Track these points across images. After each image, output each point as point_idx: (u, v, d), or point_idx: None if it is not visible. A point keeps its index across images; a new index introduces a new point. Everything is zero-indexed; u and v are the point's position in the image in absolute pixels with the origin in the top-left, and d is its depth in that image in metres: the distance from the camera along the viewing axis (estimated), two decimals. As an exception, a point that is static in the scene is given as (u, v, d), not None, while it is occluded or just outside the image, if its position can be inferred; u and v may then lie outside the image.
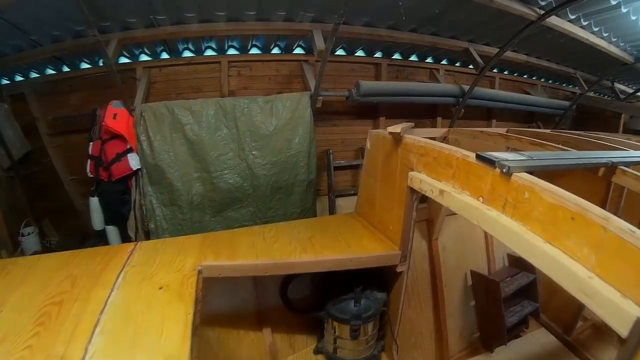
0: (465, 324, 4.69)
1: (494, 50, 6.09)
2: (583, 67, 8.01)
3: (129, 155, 4.59)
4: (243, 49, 5.56)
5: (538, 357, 4.64)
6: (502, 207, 1.83)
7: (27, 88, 5.12)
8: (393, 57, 6.45)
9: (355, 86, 5.36)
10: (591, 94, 8.77)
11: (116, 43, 4.42)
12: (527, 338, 4.91)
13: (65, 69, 5.26)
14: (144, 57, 5.34)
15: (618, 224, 1.35)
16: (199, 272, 2.56)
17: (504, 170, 1.80)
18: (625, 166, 2.59)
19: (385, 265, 3.12)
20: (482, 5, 4.54)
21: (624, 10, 4.90)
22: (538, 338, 4.90)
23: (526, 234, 1.66)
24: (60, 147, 5.38)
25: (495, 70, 7.61)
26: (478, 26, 5.55)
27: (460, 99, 6.36)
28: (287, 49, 5.74)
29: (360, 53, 6.23)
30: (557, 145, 3.25)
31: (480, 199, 1.99)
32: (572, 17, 5.14)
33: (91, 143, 4.73)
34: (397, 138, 2.95)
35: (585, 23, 5.38)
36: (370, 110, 6.28)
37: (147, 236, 4.78)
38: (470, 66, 6.30)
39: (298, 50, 5.79)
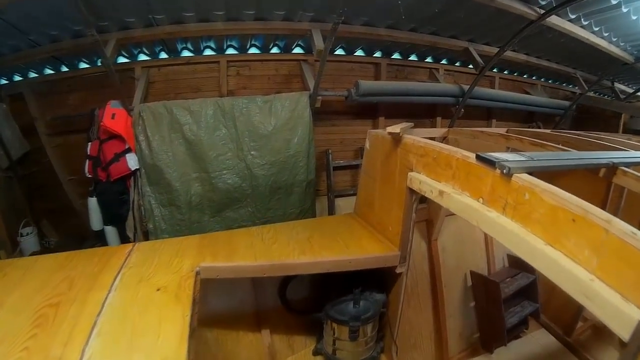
0: (465, 325, 4.68)
1: (493, 50, 6.08)
2: (583, 67, 8.00)
3: (127, 155, 4.57)
4: (242, 49, 5.54)
5: (538, 358, 4.63)
6: (503, 208, 1.81)
7: (26, 88, 5.11)
8: (392, 57, 6.44)
9: (354, 86, 5.34)
10: (591, 93, 8.76)
11: (114, 43, 4.41)
12: (527, 339, 4.90)
13: (64, 68, 5.25)
14: (142, 57, 5.33)
15: (620, 226, 1.33)
16: (197, 273, 2.54)
17: (505, 171, 1.78)
18: (626, 167, 2.57)
19: (385, 266, 3.10)
20: (482, 4, 4.53)
21: (624, 9, 4.89)
22: (538, 339, 4.90)
23: (527, 236, 1.65)
24: (59, 147, 5.37)
25: (495, 70, 7.59)
26: (478, 25, 5.53)
27: (460, 99, 6.34)
28: (286, 49, 5.72)
29: (359, 53, 6.21)
30: (557, 146, 3.24)
31: (480, 200, 1.97)
32: (573, 16, 5.13)
33: (89, 143, 4.72)
34: (396, 138, 2.93)
35: (585, 23, 5.37)
36: (370, 110, 6.26)
37: (146, 236, 4.77)
38: (470, 66, 6.29)
39: (297, 50, 5.77)
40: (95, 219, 4.80)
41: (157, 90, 5.21)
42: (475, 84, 6.15)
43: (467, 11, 4.91)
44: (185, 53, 5.40)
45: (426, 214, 4.31)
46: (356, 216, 3.78)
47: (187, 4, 4.32)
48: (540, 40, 5.96)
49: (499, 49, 5.71)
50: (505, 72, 7.99)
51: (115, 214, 4.79)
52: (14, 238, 5.14)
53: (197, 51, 5.41)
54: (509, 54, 6.15)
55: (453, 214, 3.42)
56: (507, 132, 4.24)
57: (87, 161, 4.68)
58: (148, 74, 5.13)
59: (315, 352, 3.59)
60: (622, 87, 9.29)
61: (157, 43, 5.08)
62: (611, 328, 1.31)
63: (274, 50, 5.71)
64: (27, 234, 5.27)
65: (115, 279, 2.44)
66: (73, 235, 5.68)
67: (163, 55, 5.36)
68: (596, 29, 5.60)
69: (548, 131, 4.76)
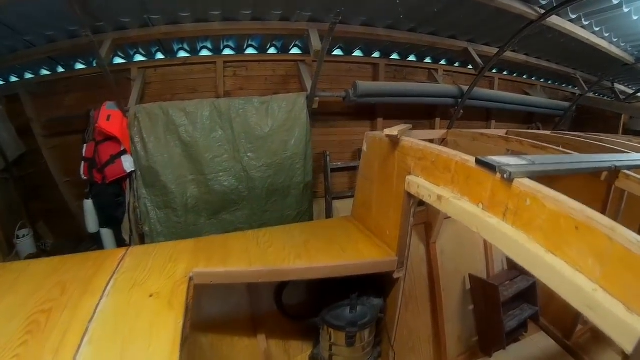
0: (463, 328, 4.66)
1: (493, 50, 6.04)
2: (583, 68, 7.97)
3: (122, 157, 4.54)
4: (239, 49, 5.51)
5: (537, 362, 4.61)
6: (503, 214, 1.76)
7: (22, 89, 5.09)
8: (391, 57, 6.40)
9: (352, 87, 5.30)
10: (591, 94, 8.75)
11: (110, 43, 4.39)
12: (526, 342, 4.89)
13: (60, 69, 5.24)
14: (139, 58, 5.30)
15: (625, 234, 1.28)
16: (191, 279, 2.49)
17: (505, 176, 1.73)
18: (628, 170, 2.53)
19: (382, 271, 3.06)
20: (482, 4, 4.49)
21: (625, 10, 4.85)
22: (537, 342, 4.88)
23: (527, 243, 1.60)
24: (55, 149, 5.35)
25: (494, 71, 7.56)
26: (477, 26, 5.50)
27: (459, 100, 6.30)
28: (284, 49, 5.70)
29: (357, 53, 6.18)
30: (558, 148, 3.20)
31: (480, 205, 1.92)
32: (573, 16, 5.09)
33: (85, 145, 4.69)
34: (394, 141, 2.89)
35: (586, 23, 5.33)
36: (368, 111, 6.23)
37: (142, 239, 4.75)
38: (470, 66, 6.26)
39: (295, 51, 5.74)
40: (91, 221, 4.77)
41: (154, 91, 5.18)
42: (475, 84, 6.11)
43: (467, 11, 4.87)
44: (182, 54, 5.37)
45: (425, 217, 4.28)
46: (353, 219, 3.74)
47: (183, 4, 4.28)
48: (540, 41, 5.92)
49: (498, 49, 5.68)
50: (505, 73, 7.96)
51: (111, 216, 4.76)
52: (10, 240, 5.15)
53: (194, 52, 5.38)
54: (508, 54, 6.11)
55: (452, 217, 3.40)
56: (506, 133, 4.20)
57: (83, 163, 4.66)
58: (144, 74, 5.11)
59: (312, 358, 3.57)
60: (622, 87, 9.29)
61: (154, 43, 5.05)
62: (614, 340, 1.26)
63: (271, 50, 5.68)
64: (24, 236, 5.28)
65: (108, 284, 2.41)
66: (69, 237, 5.69)
67: (159, 55, 5.33)
68: (597, 29, 5.57)
69: (548, 133, 4.72)
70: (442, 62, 7.00)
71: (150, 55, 5.31)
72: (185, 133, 4.62)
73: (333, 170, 5.99)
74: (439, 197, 2.22)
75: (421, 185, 2.46)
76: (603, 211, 4.18)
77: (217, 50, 5.45)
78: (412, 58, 6.64)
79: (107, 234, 4.84)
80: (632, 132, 8.53)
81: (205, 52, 5.46)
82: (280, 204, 5.05)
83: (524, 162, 1.87)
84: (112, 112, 4.48)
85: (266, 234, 3.32)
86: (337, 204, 5.92)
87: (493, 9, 4.64)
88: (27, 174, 5.47)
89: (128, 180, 4.66)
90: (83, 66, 5.24)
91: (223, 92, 5.36)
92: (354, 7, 4.58)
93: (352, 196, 3.87)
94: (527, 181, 1.69)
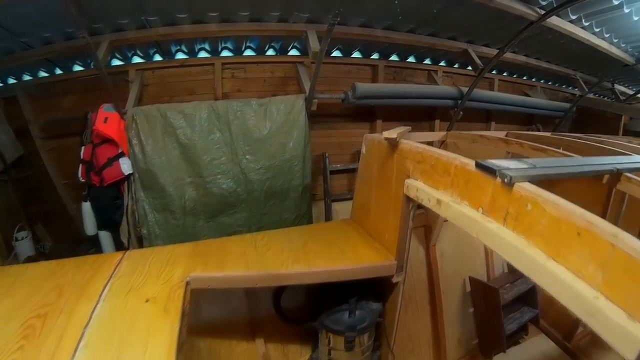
0: (463, 331, 4.63)
1: (493, 52, 6.02)
2: (583, 69, 7.96)
3: (120, 159, 4.51)
4: (237, 51, 5.50)
5: (538, 365, 4.59)
6: (503, 219, 1.73)
7: (20, 91, 5.08)
8: (390, 59, 6.38)
9: (351, 88, 5.27)
10: (591, 95, 8.73)
11: (107, 45, 4.37)
12: (527, 345, 4.87)
13: (58, 71, 5.23)
14: (136, 59, 5.28)
15: (627, 240, 1.26)
16: (187, 283, 2.48)
17: (506, 180, 1.70)
18: (629, 172, 2.51)
19: (381, 276, 3.04)
20: (482, 4, 4.46)
21: (626, 10, 4.83)
22: (538, 344, 4.86)
23: (528, 249, 1.57)
24: (53, 151, 5.33)
25: (494, 72, 7.54)
26: (477, 26, 5.48)
27: (459, 101, 6.28)
28: (282, 51, 5.68)
29: (356, 54, 6.16)
30: (559, 151, 3.18)
31: (480, 209, 1.89)
32: (573, 17, 5.08)
33: (83, 147, 4.65)
34: (393, 143, 2.86)
35: (586, 24, 5.32)
36: (367, 113, 6.21)
37: (140, 242, 4.73)
38: (469, 67, 6.25)
39: (293, 52, 5.73)
40: (89, 224, 4.74)
41: (151, 93, 5.16)
42: (474, 86, 6.09)
43: (466, 12, 4.85)
44: (180, 55, 5.36)
45: (424, 220, 4.26)
46: (352, 222, 3.72)
47: (180, 6, 4.27)
48: (540, 42, 5.90)
49: (498, 50, 5.65)
50: (505, 74, 7.94)
51: (109, 219, 4.73)
52: (8, 242, 5.15)
53: (192, 53, 5.37)
54: (508, 55, 6.09)
55: (451, 219, 3.38)
56: (506, 135, 4.19)
57: (81, 165, 4.62)
58: (142, 76, 5.09)
59: (311, 361, 3.55)
60: (622, 88, 9.28)
61: (151, 45, 5.04)
62: (615, 348, 1.24)
63: (270, 52, 5.67)
64: (22, 238, 5.28)
65: (104, 289, 2.40)
66: (68, 240, 5.69)
67: (157, 57, 5.32)
68: (597, 30, 5.56)
69: (548, 134, 4.71)
70: (442, 64, 6.97)
71: (148, 57, 5.28)
72: (183, 135, 4.61)
73: (332, 172, 5.98)
74: (438, 201, 2.20)
75: (420, 189, 2.44)
76: (604, 213, 4.19)
77: (215, 52, 5.44)
78: (411, 59, 6.62)
79: (105, 237, 4.80)
80: (633, 133, 8.53)
81: (203, 54, 5.44)
82: (279, 206, 5.03)
83: (524, 166, 1.85)
84: (109, 115, 4.46)
85: (264, 237, 3.30)
86: (336, 206, 5.91)
87: (493, 10, 4.62)
88: (25, 176, 5.46)
89: (126, 182, 4.62)
90: (81, 68, 5.22)
91: (221, 93, 5.34)
92: (352, 8, 4.57)
93: (351, 198, 3.86)
94: (527, 185, 1.67)
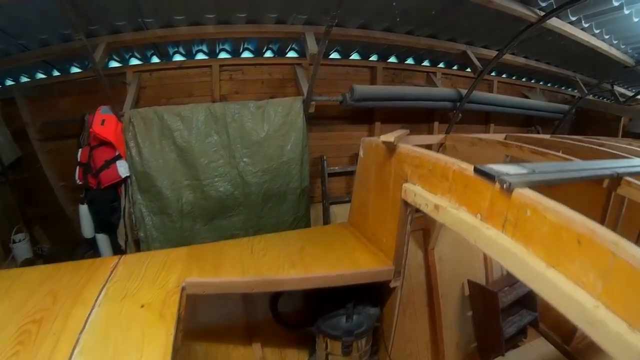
0: (462, 335, 4.62)
1: (492, 53, 6.00)
2: (583, 70, 7.95)
3: (117, 162, 4.51)
4: (235, 53, 5.49)
5: (536, 368, 4.58)
6: (502, 225, 1.71)
7: (17, 92, 5.07)
8: (389, 60, 6.37)
9: (349, 90, 5.26)
10: (590, 97, 8.73)
11: (104, 47, 4.36)
12: (526, 348, 4.85)
13: (56, 73, 5.22)
14: (134, 61, 5.27)
15: (628, 249, 1.23)
16: (183, 288, 2.46)
17: (505, 186, 1.67)
18: (630, 177, 2.48)
19: (378, 281, 3.02)
20: (481, 6, 4.44)
21: (626, 12, 4.82)
22: (536, 348, 4.84)
23: (527, 256, 1.54)
24: (51, 153, 5.32)
25: (493, 73, 7.51)
26: (476, 28, 5.47)
27: (458, 103, 6.26)
28: (280, 52, 5.67)
29: (355, 56, 6.15)
30: (559, 154, 3.16)
31: (479, 215, 1.87)
32: (573, 18, 5.06)
33: (80, 149, 4.65)
34: (390, 147, 2.84)
35: (586, 25, 5.30)
36: (366, 115, 6.20)
37: (137, 245, 4.74)
38: (468, 69, 6.23)
39: (291, 54, 5.72)
40: (87, 226, 4.74)
41: (149, 95, 5.16)
42: (474, 88, 6.06)
43: (465, 13, 4.84)
44: (178, 57, 5.35)
45: (423, 223, 4.23)
46: (350, 226, 3.70)
47: (176, 8, 4.25)
48: (539, 43, 5.88)
49: (497, 52, 5.63)
50: (504, 76, 7.93)
51: (106, 221, 4.73)
52: (6, 244, 5.17)
53: (189, 55, 5.36)
54: (507, 57, 6.07)
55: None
56: (505, 138, 4.17)
57: (78, 168, 4.62)
58: (140, 78, 5.08)
59: (308, 367, 3.53)
60: (622, 90, 9.27)
61: (149, 47, 5.02)
62: (615, 358, 1.22)
63: (268, 54, 5.65)
64: (20, 241, 5.27)
65: (99, 294, 2.38)
66: (65, 242, 5.68)
67: (155, 59, 5.30)
68: (597, 31, 5.54)
69: (548, 137, 4.68)
70: (441, 65, 6.95)
71: (145, 59, 5.27)
72: (181, 138, 4.60)
73: (330, 174, 5.97)
74: (436, 207, 2.17)
75: (418, 194, 2.41)
76: (604, 216, 4.17)
77: (212, 54, 5.43)
78: (410, 61, 6.61)
79: (102, 239, 4.81)
80: (632, 134, 8.52)
81: (200, 56, 5.43)
82: (277, 209, 5.03)
83: (524, 171, 1.82)
84: (106, 117, 4.46)
85: (261, 241, 3.28)
86: (334, 208, 5.91)
87: (492, 12, 4.59)
88: (23, 177, 5.47)
89: (123, 185, 4.63)
90: (78, 70, 5.22)
91: (219, 96, 5.33)
92: (350, 9, 4.54)
93: (349, 201, 3.85)
94: (527, 191, 1.64)
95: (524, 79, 8.36)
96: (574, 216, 1.42)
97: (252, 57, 5.60)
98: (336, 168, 6.04)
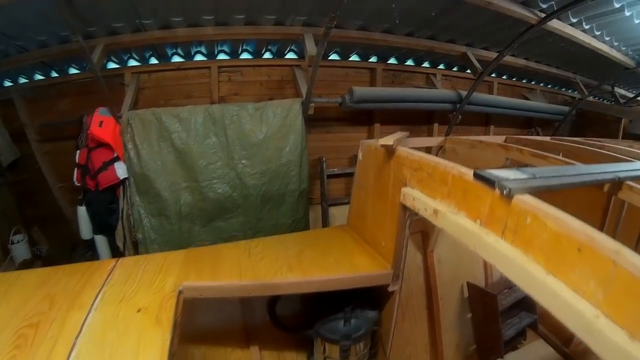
0: (461, 337, 4.60)
1: (492, 55, 5.98)
2: (583, 72, 7.94)
3: (115, 164, 4.51)
4: (233, 54, 5.48)
5: (536, 370, 4.56)
6: (502, 232, 1.68)
7: (16, 93, 5.07)
8: (388, 62, 6.36)
9: (348, 92, 5.25)
10: (591, 98, 8.72)
11: (102, 48, 4.33)
12: (525, 350, 4.83)
13: (54, 74, 5.20)
14: (132, 62, 5.26)
15: (630, 258, 1.21)
16: (180, 292, 2.44)
17: (505, 192, 1.65)
18: (631, 181, 2.47)
19: (376, 285, 3.00)
20: (481, 7, 4.42)
21: (627, 13, 4.80)
22: (536, 350, 4.82)
23: (526, 264, 1.52)
24: (49, 154, 5.32)
25: (493, 75, 7.49)
26: (476, 29, 5.45)
27: (458, 105, 6.25)
28: (279, 54, 5.67)
29: (354, 57, 6.13)
30: (559, 158, 3.14)
31: (478, 221, 1.85)
32: (574, 20, 5.05)
33: (78, 151, 4.67)
34: (389, 150, 2.82)
35: (587, 27, 5.29)
36: (365, 117, 6.19)
37: (136, 246, 4.74)
38: (468, 71, 6.22)
39: (290, 55, 5.71)
40: (85, 228, 4.76)
41: (147, 97, 5.16)
42: (474, 89, 6.06)
43: (465, 15, 4.82)
44: (176, 58, 5.34)
45: (422, 225, 4.21)
46: (349, 228, 3.67)
47: (174, 9, 4.24)
48: (540, 45, 5.86)
49: (497, 53, 5.61)
50: (504, 77, 7.93)
51: (104, 223, 4.73)
52: (5, 245, 5.19)
53: (188, 56, 5.35)
54: (507, 58, 6.04)
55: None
56: (505, 141, 4.16)
57: (76, 169, 4.63)
58: (138, 80, 5.08)
59: (306, 370, 3.51)
60: (622, 91, 9.27)
61: (147, 48, 5.01)
62: (615, 371, 1.20)
63: (267, 55, 5.65)
64: (18, 242, 5.30)
65: (96, 298, 2.36)
66: (64, 243, 5.71)
67: (153, 60, 5.29)
68: (597, 33, 5.53)
69: (548, 139, 4.67)
70: (441, 67, 6.94)
71: (144, 60, 5.26)
72: (179, 140, 4.59)
73: (329, 176, 5.97)
74: (435, 211, 2.15)
75: (417, 198, 2.39)
76: (604, 218, 4.14)
77: (211, 55, 5.42)
78: (409, 62, 6.59)
79: (101, 241, 4.82)
80: (632, 135, 8.53)
81: (199, 57, 5.42)
82: (275, 211, 5.01)
83: (524, 176, 1.79)
84: (104, 119, 4.45)
85: (258, 244, 3.26)
86: (333, 210, 5.91)
87: (492, 13, 4.57)
88: (22, 179, 5.47)
89: (121, 187, 4.63)
90: (77, 71, 5.21)
91: (218, 97, 5.33)
92: (350, 11, 4.50)
93: (348, 203, 3.83)
94: (527, 197, 1.62)
95: (524, 81, 8.36)
96: (575, 223, 1.40)
97: (251, 59, 5.59)
98: (335, 169, 6.04)
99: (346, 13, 4.50)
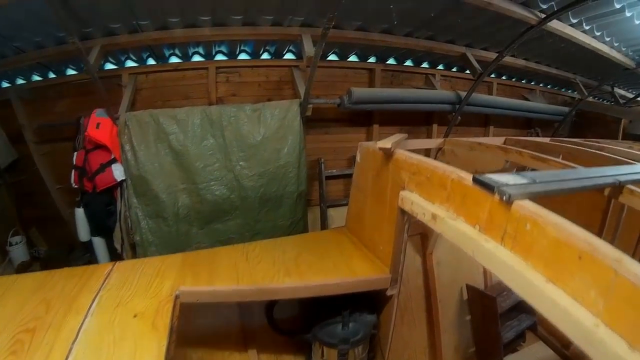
0: (460, 339, 4.58)
1: (491, 55, 5.97)
2: (583, 72, 7.93)
3: (113, 165, 4.50)
4: (231, 55, 5.47)
5: (535, 372, 4.55)
6: (501, 238, 1.66)
7: (13, 94, 5.04)
8: (387, 62, 6.35)
9: (347, 93, 5.24)
10: (590, 98, 8.71)
11: (99, 49, 4.31)
12: (524, 352, 4.81)
13: (51, 75, 5.19)
14: (130, 63, 5.25)
15: (631, 267, 1.19)
16: (176, 297, 2.42)
17: (504, 197, 1.62)
18: (632, 185, 2.44)
19: (375, 289, 2.99)
20: (480, 8, 4.40)
21: (627, 14, 4.80)
22: (535, 352, 4.80)
23: (526, 271, 1.50)
24: (47, 155, 5.32)
25: (492, 75, 7.48)
26: (476, 30, 5.43)
27: (457, 106, 6.24)
28: (277, 54, 5.65)
29: (353, 58, 6.12)
30: (559, 160, 3.12)
31: (477, 227, 1.83)
32: (574, 21, 5.03)
33: (75, 153, 4.64)
34: (387, 153, 2.80)
35: (587, 27, 5.28)
36: (364, 118, 6.18)
37: (133, 248, 4.73)
38: (468, 71, 6.20)
39: (289, 56, 5.70)
40: (83, 230, 4.75)
41: (145, 98, 5.14)
42: (473, 90, 6.04)
43: (465, 15, 4.80)
44: (174, 59, 5.32)
45: (421, 227, 4.16)
46: (347, 231, 3.66)
47: (171, 9, 4.21)
48: (540, 45, 5.85)
49: (497, 54, 5.60)
50: (504, 78, 7.92)
51: (102, 225, 4.72)
52: (3, 247, 5.21)
53: (186, 57, 5.33)
54: (507, 59, 6.02)
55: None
56: (505, 142, 4.13)
57: (73, 171, 4.61)
58: (135, 80, 5.06)
59: (304, 373, 3.49)
60: (622, 92, 9.27)
61: (144, 49, 5.00)
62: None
63: (265, 56, 5.63)
64: (16, 243, 5.32)
65: (92, 303, 2.35)
66: (62, 245, 5.71)
67: (151, 61, 5.28)
68: (598, 33, 5.52)
69: (547, 140, 4.65)
70: (440, 67, 6.93)
71: (141, 61, 5.25)
72: (176, 141, 4.58)
73: (328, 177, 5.96)
74: (434, 216, 2.13)
75: (415, 202, 2.37)
76: (604, 220, 4.13)
77: (209, 56, 5.41)
78: (408, 63, 6.58)
79: (99, 243, 4.81)
80: (632, 136, 8.52)
81: (197, 58, 5.41)
82: (273, 213, 5.00)
83: (524, 181, 1.77)
84: (101, 120, 4.44)
85: (256, 247, 3.25)
86: (331, 212, 5.90)
87: (492, 14, 4.56)
88: (19, 180, 5.46)
89: (119, 189, 4.61)
90: (74, 72, 5.20)
91: (215, 98, 5.31)
92: (348, 11, 4.50)
93: (347, 204, 3.82)
94: (527, 203, 1.59)
95: (523, 81, 8.35)
96: (576, 231, 1.38)
97: (249, 59, 5.58)
98: (334, 171, 6.02)
99: (344, 13, 4.50)
